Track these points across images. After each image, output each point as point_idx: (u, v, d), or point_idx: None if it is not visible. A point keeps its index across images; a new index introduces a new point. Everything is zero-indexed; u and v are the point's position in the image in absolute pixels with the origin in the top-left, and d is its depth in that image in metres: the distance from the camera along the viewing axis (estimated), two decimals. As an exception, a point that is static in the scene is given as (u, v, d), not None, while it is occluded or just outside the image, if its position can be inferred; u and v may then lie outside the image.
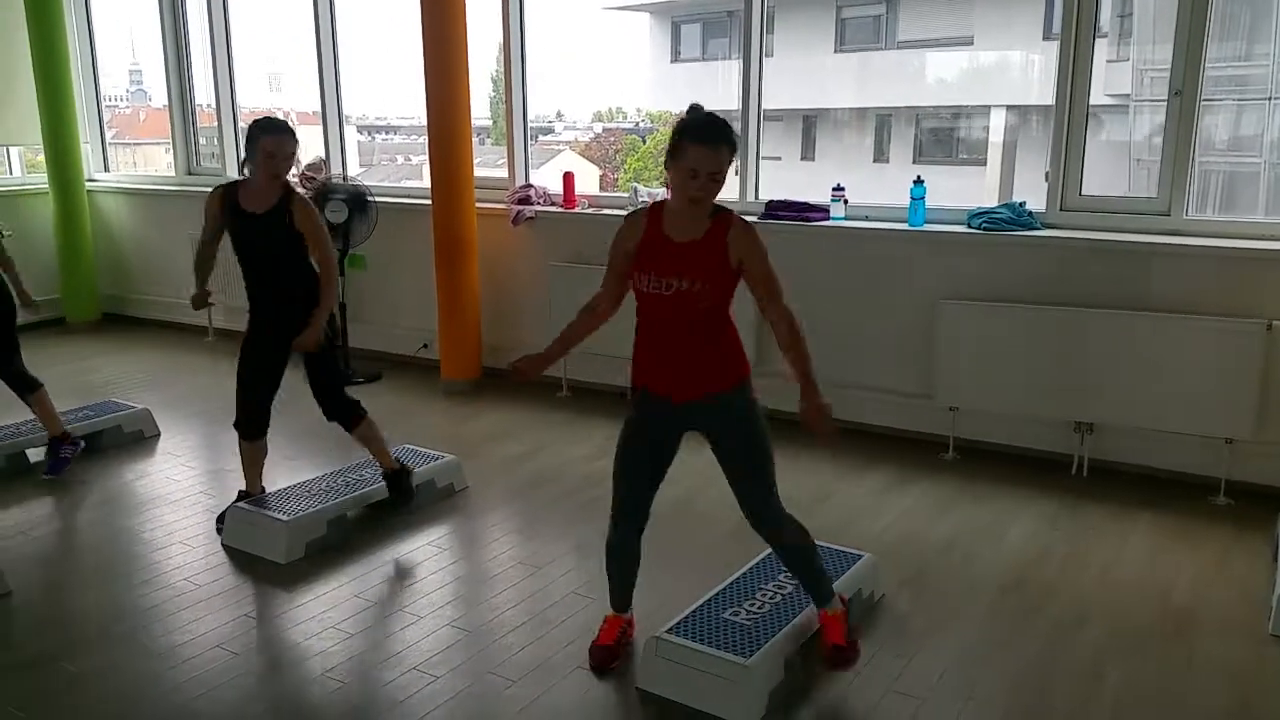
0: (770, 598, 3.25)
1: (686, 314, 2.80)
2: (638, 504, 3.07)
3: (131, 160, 9.88)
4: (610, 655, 3.19)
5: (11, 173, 7.59)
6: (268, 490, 4.32)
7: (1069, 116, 4.85)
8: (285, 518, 3.99)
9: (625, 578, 3.20)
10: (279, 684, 3.13)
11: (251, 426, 4.15)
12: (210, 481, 4.83)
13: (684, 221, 2.79)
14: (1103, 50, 5.20)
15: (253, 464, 4.24)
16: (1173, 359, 4.45)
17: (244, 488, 4.29)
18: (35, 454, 5.01)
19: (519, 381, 3.11)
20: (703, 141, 2.66)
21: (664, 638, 3.02)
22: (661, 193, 5.69)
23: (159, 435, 5.46)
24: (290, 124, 4.02)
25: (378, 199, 6.50)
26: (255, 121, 3.91)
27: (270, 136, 3.81)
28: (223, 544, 4.09)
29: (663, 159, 2.78)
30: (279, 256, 3.96)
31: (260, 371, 4.07)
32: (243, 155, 3.94)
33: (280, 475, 4.62)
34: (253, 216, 3.89)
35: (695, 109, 2.75)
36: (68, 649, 3.31)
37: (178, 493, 4.67)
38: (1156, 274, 4.58)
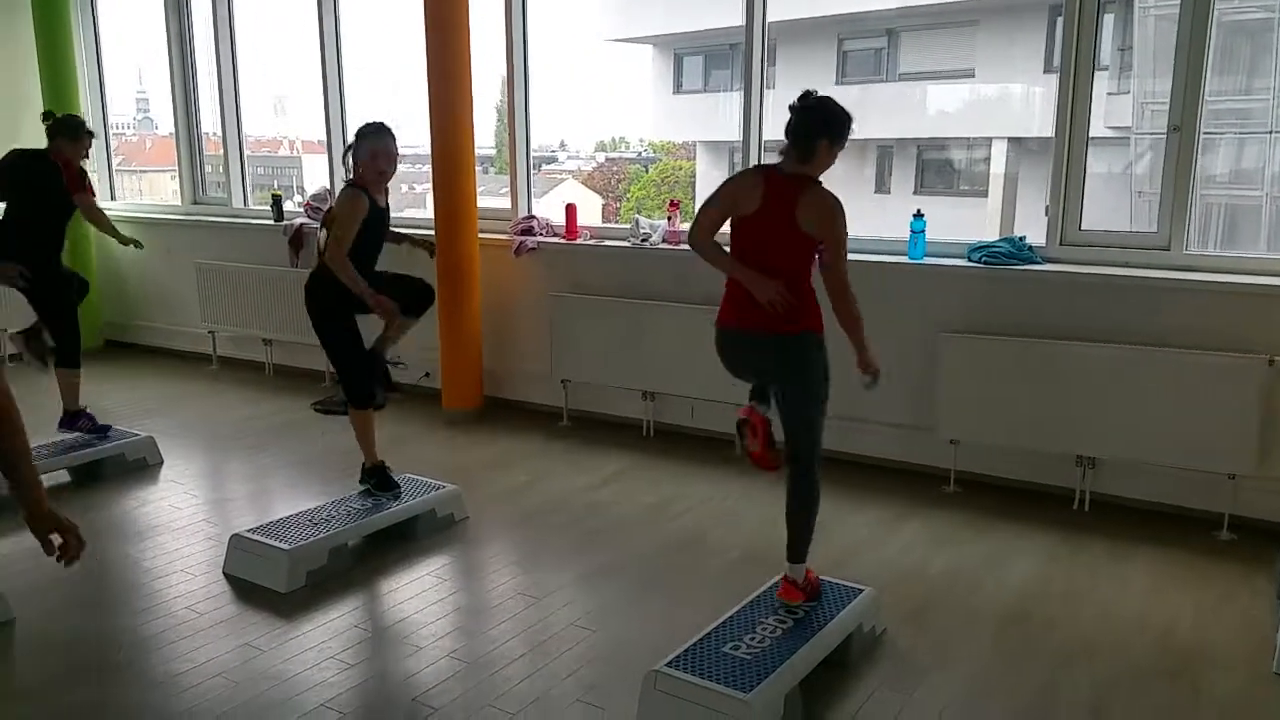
0: (771, 632, 3.24)
1: None
2: None
3: (137, 188, 9.93)
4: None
5: (19, 199, 7.63)
6: (270, 519, 4.31)
7: (1068, 150, 4.86)
8: (287, 546, 3.99)
9: None
10: (278, 715, 3.12)
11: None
12: (213, 510, 4.83)
13: None
14: (1103, 83, 5.23)
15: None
16: (1174, 394, 4.44)
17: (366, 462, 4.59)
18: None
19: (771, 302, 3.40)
20: None
21: (664, 671, 3.01)
22: (662, 224, 5.92)
23: (162, 463, 5.46)
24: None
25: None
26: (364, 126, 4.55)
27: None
28: (224, 572, 4.09)
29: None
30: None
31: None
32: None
33: (282, 503, 4.62)
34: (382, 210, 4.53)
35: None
36: (68, 677, 3.31)
37: (180, 520, 4.67)
38: (1157, 309, 4.58)
